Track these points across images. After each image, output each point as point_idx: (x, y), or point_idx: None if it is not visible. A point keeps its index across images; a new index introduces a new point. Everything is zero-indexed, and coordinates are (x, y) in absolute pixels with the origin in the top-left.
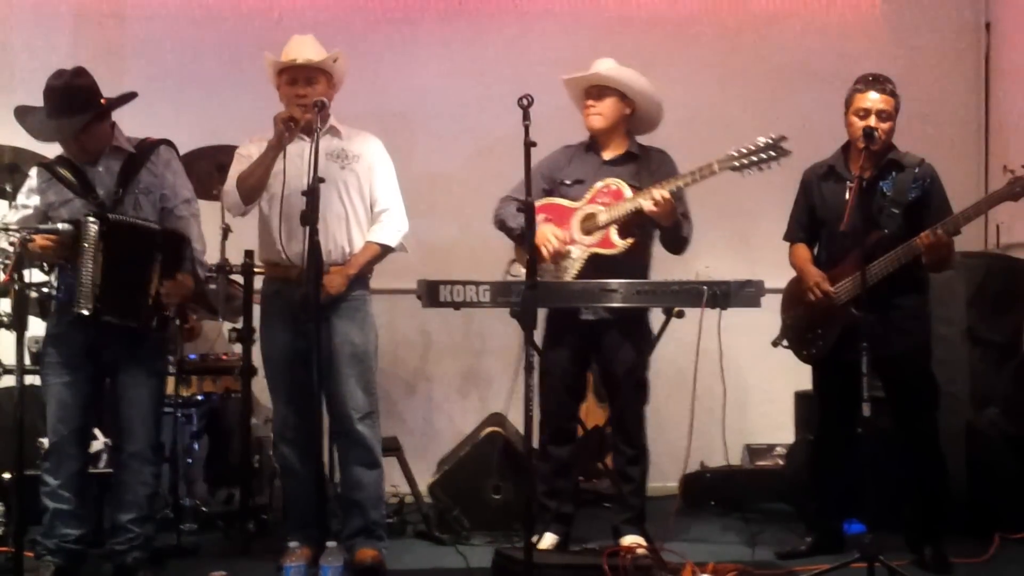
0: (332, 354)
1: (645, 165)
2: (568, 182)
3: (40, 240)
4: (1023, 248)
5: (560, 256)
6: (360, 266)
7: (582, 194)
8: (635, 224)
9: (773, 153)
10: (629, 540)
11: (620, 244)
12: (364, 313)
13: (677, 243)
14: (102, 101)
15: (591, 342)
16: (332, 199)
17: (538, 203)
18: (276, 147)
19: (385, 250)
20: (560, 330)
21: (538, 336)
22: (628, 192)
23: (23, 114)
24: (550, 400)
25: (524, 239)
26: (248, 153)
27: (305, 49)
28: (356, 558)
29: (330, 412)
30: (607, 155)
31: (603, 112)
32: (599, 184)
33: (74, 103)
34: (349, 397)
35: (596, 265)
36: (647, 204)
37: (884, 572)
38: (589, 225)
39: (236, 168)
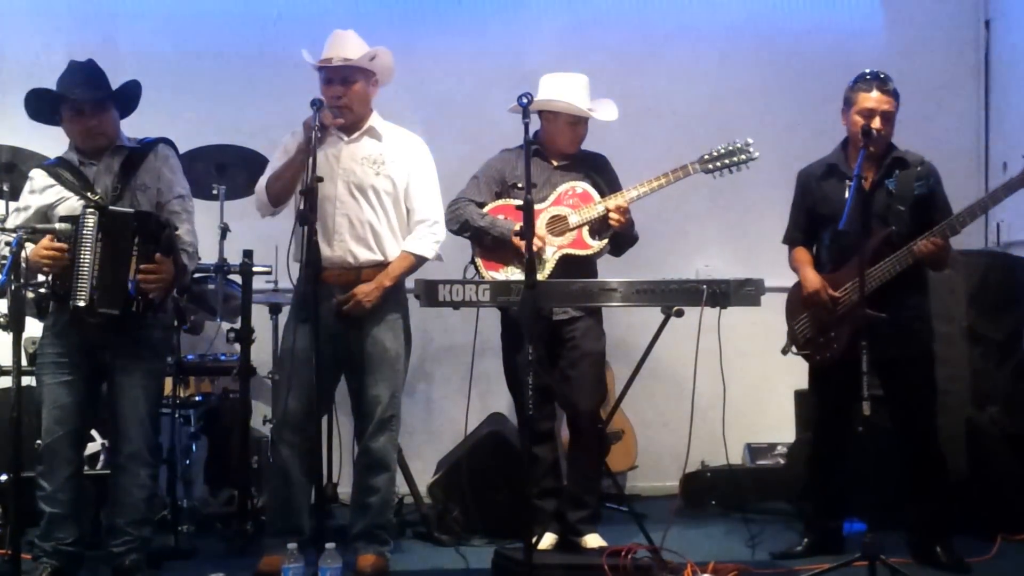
0: (363, 357)
1: (593, 169)
2: (520, 186)
3: (43, 252)
4: (1023, 246)
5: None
6: (395, 277)
7: (537, 197)
8: (599, 226)
9: (743, 156)
10: (590, 539)
11: (595, 245)
12: (396, 317)
13: (626, 245)
14: None
15: (555, 340)
16: (362, 205)
17: (493, 205)
18: (304, 151)
19: (420, 260)
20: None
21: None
22: (596, 196)
23: (34, 97)
24: (524, 402)
25: (483, 238)
26: (287, 148)
27: (342, 47)
28: (359, 564)
29: (354, 414)
30: (555, 161)
31: (582, 136)
32: (563, 187)
33: (97, 79)
34: (374, 401)
35: (566, 265)
36: (613, 213)
37: (885, 571)
38: (560, 227)
39: (271, 163)
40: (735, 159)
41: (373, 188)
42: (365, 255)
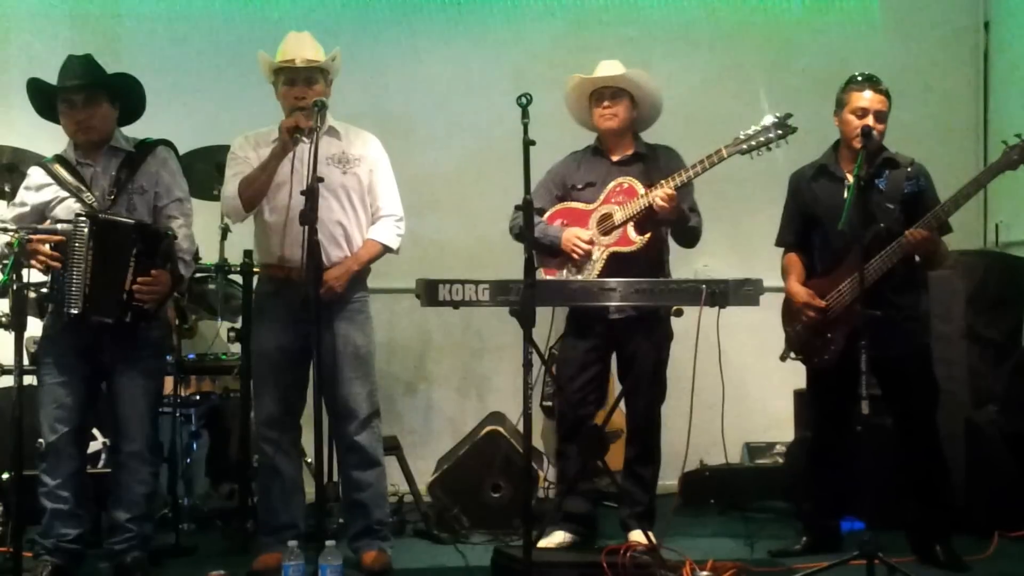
0: (334, 356)
1: (654, 163)
2: (580, 186)
3: (38, 247)
4: (1022, 247)
5: (586, 256)
6: (363, 263)
7: (595, 196)
8: (648, 220)
9: (780, 132)
10: (637, 535)
11: (638, 240)
12: (365, 315)
13: (686, 236)
14: None
15: (613, 340)
16: (332, 205)
17: (553, 209)
18: (280, 155)
19: (386, 249)
20: (583, 326)
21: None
22: (641, 189)
23: (35, 89)
24: (566, 397)
25: (535, 248)
26: (245, 155)
27: (303, 48)
28: (363, 561)
29: (332, 414)
30: (615, 157)
31: (618, 113)
32: (612, 184)
33: (89, 70)
34: (353, 400)
35: (616, 263)
36: (656, 201)
37: (883, 570)
38: (607, 225)
39: (232, 170)
40: (770, 135)
41: (343, 187)
42: (337, 254)
